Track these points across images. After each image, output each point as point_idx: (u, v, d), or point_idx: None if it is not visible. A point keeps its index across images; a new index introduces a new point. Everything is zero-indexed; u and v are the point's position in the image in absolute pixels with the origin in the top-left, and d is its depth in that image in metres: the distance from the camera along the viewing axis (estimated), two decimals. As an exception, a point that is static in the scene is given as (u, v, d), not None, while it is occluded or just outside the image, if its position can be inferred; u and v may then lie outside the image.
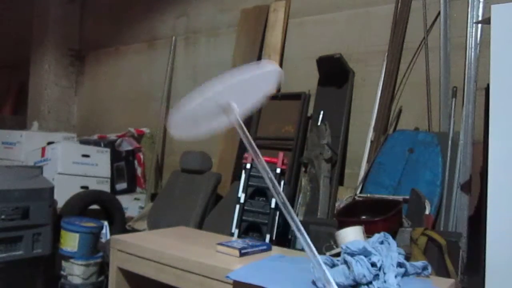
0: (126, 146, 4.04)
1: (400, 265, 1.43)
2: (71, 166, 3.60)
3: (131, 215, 3.64)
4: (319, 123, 2.85)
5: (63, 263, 2.72)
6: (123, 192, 3.94)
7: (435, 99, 2.62)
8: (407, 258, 1.64)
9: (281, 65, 3.32)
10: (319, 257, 0.79)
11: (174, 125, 0.81)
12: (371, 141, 2.74)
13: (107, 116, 4.73)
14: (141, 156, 4.11)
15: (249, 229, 2.35)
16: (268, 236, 2.27)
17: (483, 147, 2.19)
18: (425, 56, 2.69)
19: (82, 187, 3.56)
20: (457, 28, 2.59)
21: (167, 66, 4.11)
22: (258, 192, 2.37)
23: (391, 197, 2.37)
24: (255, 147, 0.78)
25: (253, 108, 0.88)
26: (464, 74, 2.47)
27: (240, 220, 2.31)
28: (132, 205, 3.82)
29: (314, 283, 1.36)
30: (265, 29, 3.44)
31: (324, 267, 0.78)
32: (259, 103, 0.88)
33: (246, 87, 0.79)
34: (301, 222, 2.49)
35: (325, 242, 1.97)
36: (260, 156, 0.73)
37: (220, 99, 0.76)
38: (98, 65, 4.94)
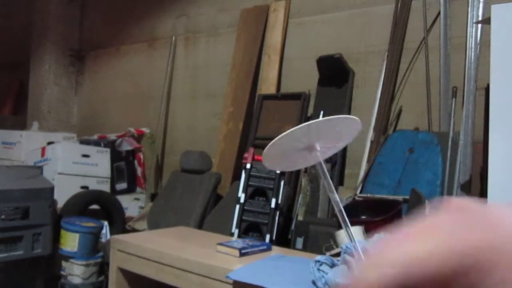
0: (126, 146, 4.04)
1: (400, 265, 1.42)
2: (71, 166, 3.60)
3: (131, 215, 3.64)
4: (319, 123, 2.85)
5: (63, 263, 2.72)
6: (123, 192, 3.94)
7: (435, 99, 2.62)
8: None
9: (281, 65, 3.33)
10: None
11: (266, 158, 0.92)
12: (371, 141, 2.74)
13: (107, 116, 4.73)
14: (141, 156, 4.11)
15: (249, 229, 2.35)
16: (268, 236, 2.27)
17: (483, 147, 2.19)
18: (425, 56, 2.69)
19: (82, 187, 3.56)
20: (457, 28, 2.59)
21: (167, 66, 4.11)
22: (258, 192, 2.37)
23: (391, 197, 2.37)
24: (336, 197, 0.83)
25: (333, 153, 0.99)
26: (464, 74, 2.47)
27: (240, 220, 2.31)
28: (132, 205, 3.83)
29: (314, 283, 1.36)
30: (265, 29, 3.44)
31: None
32: (338, 150, 0.99)
33: (329, 132, 0.87)
34: (301, 222, 2.50)
35: (325, 242, 1.97)
36: (347, 220, 0.78)
37: (306, 139, 0.85)
38: (98, 65, 4.94)
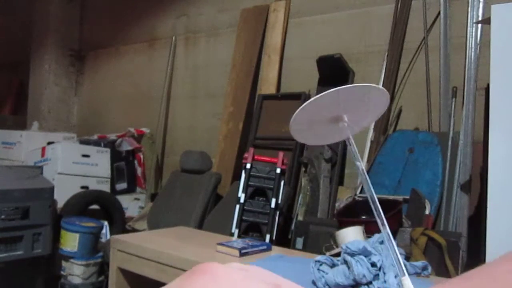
0: (126, 146, 4.04)
1: (400, 265, 1.42)
2: (71, 166, 3.60)
3: (131, 215, 3.64)
4: (319, 123, 2.84)
5: (63, 263, 2.72)
6: (123, 192, 3.94)
7: (435, 99, 2.62)
8: (407, 258, 1.64)
9: (281, 65, 3.33)
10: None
11: (294, 126, 0.84)
12: (371, 141, 2.74)
13: (107, 116, 4.73)
14: (141, 156, 4.11)
15: (249, 229, 2.35)
16: (268, 236, 2.27)
17: (483, 147, 2.19)
18: (425, 56, 2.69)
19: (82, 187, 3.56)
20: (457, 28, 2.59)
21: (167, 66, 4.11)
22: (258, 192, 2.37)
23: (391, 197, 2.36)
24: (366, 176, 0.79)
25: (365, 127, 0.93)
26: (464, 74, 2.47)
27: (240, 220, 2.31)
28: (132, 205, 3.83)
29: (314, 283, 1.36)
30: (265, 29, 3.44)
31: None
32: (365, 126, 0.92)
33: (357, 103, 0.82)
34: (301, 222, 2.50)
35: (325, 242, 1.97)
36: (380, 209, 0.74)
37: (334, 108, 0.79)
38: (98, 65, 4.94)
